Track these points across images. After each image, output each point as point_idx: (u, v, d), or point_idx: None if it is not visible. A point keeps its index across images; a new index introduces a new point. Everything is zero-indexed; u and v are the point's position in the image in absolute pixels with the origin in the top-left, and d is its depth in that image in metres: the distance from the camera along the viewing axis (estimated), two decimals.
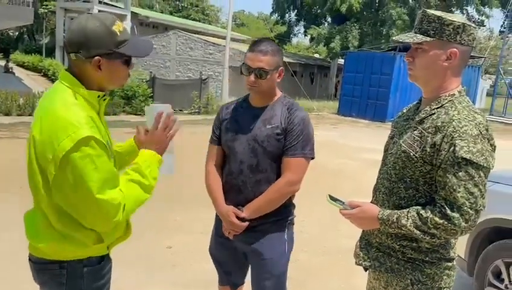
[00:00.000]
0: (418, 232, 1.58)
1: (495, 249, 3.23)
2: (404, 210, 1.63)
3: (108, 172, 1.50)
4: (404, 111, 1.88)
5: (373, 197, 1.83)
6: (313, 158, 2.19)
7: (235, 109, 2.30)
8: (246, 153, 2.16)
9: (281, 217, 2.23)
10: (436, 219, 1.54)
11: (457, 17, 1.63)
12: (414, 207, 1.62)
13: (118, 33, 1.53)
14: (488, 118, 1.64)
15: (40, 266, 1.63)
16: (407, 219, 1.60)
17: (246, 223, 2.14)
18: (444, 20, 1.59)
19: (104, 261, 1.69)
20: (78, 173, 1.43)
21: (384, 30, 25.61)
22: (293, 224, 2.32)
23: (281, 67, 2.18)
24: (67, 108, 1.48)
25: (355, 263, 1.86)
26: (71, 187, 1.45)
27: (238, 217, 2.14)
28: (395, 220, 1.62)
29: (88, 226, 1.55)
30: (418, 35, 1.63)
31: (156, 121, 1.72)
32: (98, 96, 1.59)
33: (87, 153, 1.43)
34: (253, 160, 2.15)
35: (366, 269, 1.85)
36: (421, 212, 1.58)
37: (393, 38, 1.75)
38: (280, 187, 2.13)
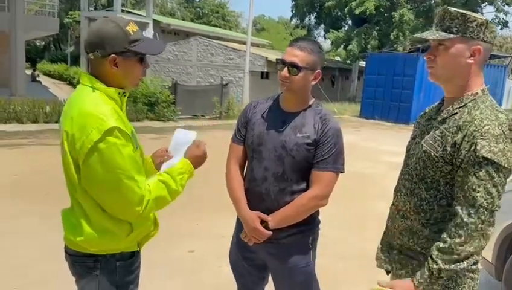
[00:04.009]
0: (453, 266, 1.51)
1: None
2: (428, 257, 1.56)
3: (133, 160, 1.59)
4: (427, 111, 1.85)
5: (394, 198, 1.81)
6: (342, 172, 2.08)
7: (263, 109, 2.16)
8: (272, 160, 2.05)
9: (307, 227, 2.13)
10: (457, 240, 1.49)
11: (478, 15, 1.60)
12: (432, 246, 1.55)
13: (132, 33, 1.63)
14: None
15: (76, 259, 1.71)
16: (436, 262, 1.52)
17: (270, 232, 2.03)
18: (467, 16, 1.57)
19: (134, 256, 1.77)
20: (106, 161, 1.53)
21: (398, 32, 25.25)
22: (319, 230, 2.23)
23: (318, 70, 2.06)
24: (93, 104, 1.59)
25: (377, 265, 1.84)
26: (98, 175, 1.55)
27: (262, 224, 2.03)
28: (429, 275, 1.54)
29: (113, 214, 1.62)
30: (440, 32, 1.60)
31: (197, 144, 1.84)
32: (119, 93, 1.68)
33: (113, 142, 1.53)
34: (279, 168, 2.04)
35: (388, 272, 1.83)
36: (440, 246, 1.52)
37: (414, 36, 1.70)
38: (308, 201, 2.03)
